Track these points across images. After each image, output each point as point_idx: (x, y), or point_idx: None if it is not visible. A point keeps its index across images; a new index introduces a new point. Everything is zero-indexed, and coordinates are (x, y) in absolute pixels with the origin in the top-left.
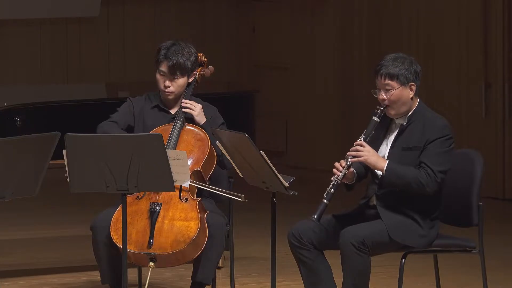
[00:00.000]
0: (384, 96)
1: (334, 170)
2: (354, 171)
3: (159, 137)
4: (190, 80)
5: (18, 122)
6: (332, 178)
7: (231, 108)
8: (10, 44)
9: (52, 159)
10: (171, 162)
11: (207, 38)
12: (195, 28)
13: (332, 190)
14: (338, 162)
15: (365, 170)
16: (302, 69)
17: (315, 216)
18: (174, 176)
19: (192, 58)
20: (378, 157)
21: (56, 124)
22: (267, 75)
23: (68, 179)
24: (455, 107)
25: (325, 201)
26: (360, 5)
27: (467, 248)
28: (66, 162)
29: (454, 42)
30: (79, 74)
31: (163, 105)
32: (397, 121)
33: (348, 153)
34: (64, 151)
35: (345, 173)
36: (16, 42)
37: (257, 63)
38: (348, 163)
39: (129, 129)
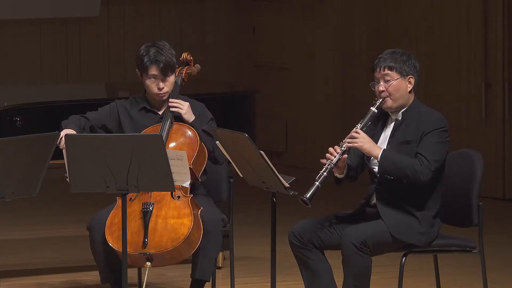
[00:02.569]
0: (383, 87)
1: (328, 155)
2: (346, 164)
3: (159, 137)
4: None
5: (18, 122)
6: (326, 162)
7: (231, 108)
8: (10, 44)
9: (52, 159)
10: (171, 162)
11: (207, 38)
12: (195, 28)
13: (325, 173)
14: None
15: (356, 169)
16: (302, 69)
17: (307, 196)
18: (174, 176)
19: (175, 53)
20: (374, 144)
21: (56, 124)
22: (267, 75)
23: (68, 179)
24: (455, 107)
25: (317, 183)
26: (359, 5)
27: (467, 248)
28: (66, 162)
29: (454, 42)
30: (79, 74)
31: (150, 106)
32: (392, 116)
33: (343, 140)
34: (64, 151)
35: (339, 158)
36: (16, 42)
37: (257, 63)
38: (343, 148)
39: (105, 129)
